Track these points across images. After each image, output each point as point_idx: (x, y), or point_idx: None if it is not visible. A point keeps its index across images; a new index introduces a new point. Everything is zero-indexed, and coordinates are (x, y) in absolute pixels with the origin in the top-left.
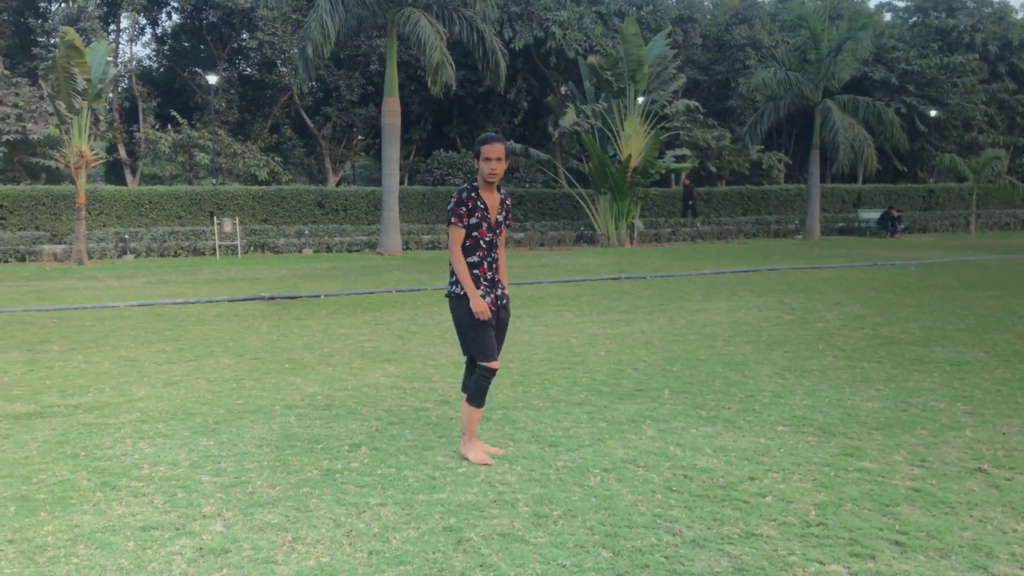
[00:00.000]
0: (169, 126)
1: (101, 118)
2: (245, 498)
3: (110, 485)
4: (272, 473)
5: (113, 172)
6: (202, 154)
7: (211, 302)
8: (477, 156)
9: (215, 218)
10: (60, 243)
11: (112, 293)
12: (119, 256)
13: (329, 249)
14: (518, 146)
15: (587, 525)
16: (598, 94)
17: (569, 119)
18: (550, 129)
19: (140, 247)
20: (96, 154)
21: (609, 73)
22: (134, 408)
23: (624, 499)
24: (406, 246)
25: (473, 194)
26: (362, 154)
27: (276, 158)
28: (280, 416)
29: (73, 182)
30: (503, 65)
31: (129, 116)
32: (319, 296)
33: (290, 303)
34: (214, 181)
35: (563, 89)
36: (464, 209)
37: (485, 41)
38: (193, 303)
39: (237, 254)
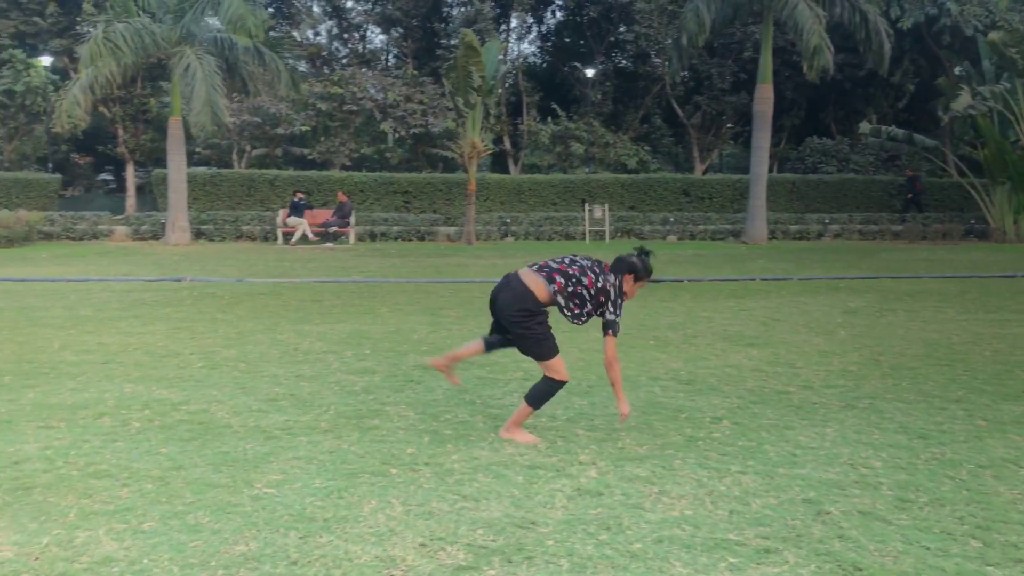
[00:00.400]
0: (549, 118)
1: (491, 112)
2: (616, 452)
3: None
4: (639, 434)
5: (497, 162)
6: (577, 144)
7: None
8: (637, 277)
9: (586, 205)
10: (452, 225)
11: (496, 269)
12: (501, 238)
13: (692, 236)
14: (900, 132)
15: (956, 515)
16: (999, 74)
17: (963, 102)
18: (939, 113)
19: (519, 231)
20: (486, 145)
21: (1014, 50)
22: (519, 367)
23: (1000, 496)
24: (772, 235)
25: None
26: (730, 142)
27: (645, 147)
28: (645, 386)
29: (465, 171)
30: (887, 46)
31: (514, 110)
32: (682, 280)
33: (654, 286)
34: (587, 170)
35: (956, 70)
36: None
37: (868, 22)
38: None
39: (605, 239)
